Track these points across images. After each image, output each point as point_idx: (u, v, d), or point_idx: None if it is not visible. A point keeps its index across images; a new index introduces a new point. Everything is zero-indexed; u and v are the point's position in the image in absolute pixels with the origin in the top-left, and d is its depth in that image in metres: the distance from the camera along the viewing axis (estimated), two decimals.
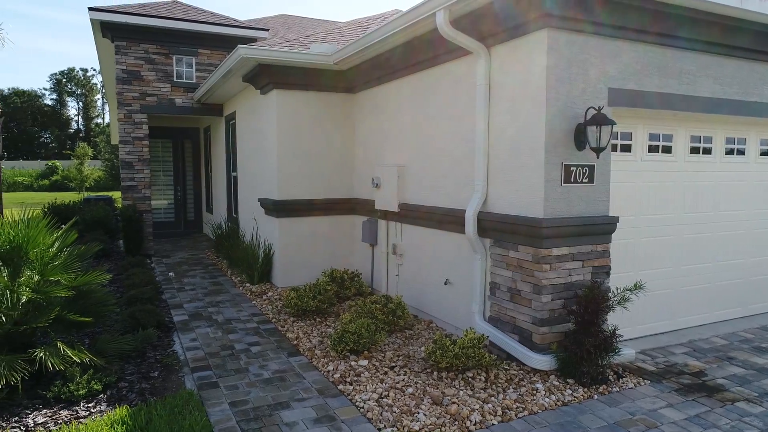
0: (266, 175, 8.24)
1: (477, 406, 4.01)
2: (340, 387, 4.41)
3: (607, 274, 4.94)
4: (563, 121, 4.60)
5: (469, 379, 4.49)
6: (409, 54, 6.27)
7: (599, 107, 4.55)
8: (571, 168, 4.66)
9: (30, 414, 3.92)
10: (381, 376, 4.60)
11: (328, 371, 4.74)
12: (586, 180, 4.75)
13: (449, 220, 5.75)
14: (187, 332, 5.90)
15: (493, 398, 4.16)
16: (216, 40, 11.20)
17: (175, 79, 11.12)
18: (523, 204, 4.79)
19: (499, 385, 4.41)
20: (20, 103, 62.23)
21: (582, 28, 4.57)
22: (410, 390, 4.31)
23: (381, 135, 7.36)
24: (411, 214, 6.54)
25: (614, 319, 4.95)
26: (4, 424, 3.76)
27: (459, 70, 5.63)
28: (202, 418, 3.78)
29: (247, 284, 8.12)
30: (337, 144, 8.07)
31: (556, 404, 4.11)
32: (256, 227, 8.99)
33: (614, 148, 5.15)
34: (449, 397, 4.15)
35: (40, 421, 3.82)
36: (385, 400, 4.14)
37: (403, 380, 4.51)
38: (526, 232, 4.71)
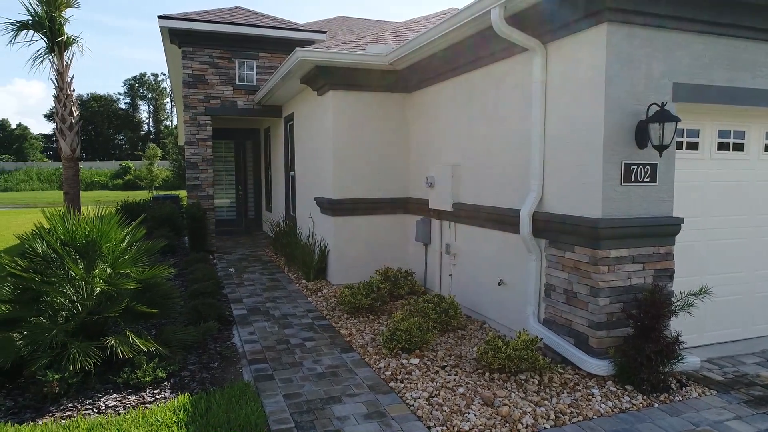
0: (322, 175, 8.40)
1: (529, 409, 3.94)
2: (391, 384, 4.45)
3: (670, 277, 4.73)
4: (623, 119, 4.43)
5: (522, 382, 4.41)
6: (461, 53, 6.22)
7: (662, 103, 4.35)
8: (632, 167, 4.48)
9: (101, 398, 4.20)
10: (432, 375, 4.60)
11: (380, 368, 4.80)
12: (648, 179, 4.56)
13: (503, 219, 5.67)
14: (245, 326, 6.12)
15: (546, 402, 4.08)
16: (276, 44, 11.52)
17: (237, 82, 11.53)
18: (579, 204, 4.66)
19: (553, 388, 4.31)
20: (97, 107, 66.44)
21: (643, 21, 4.39)
22: (461, 390, 4.29)
23: (434, 134, 7.34)
24: (465, 214, 6.49)
25: (678, 325, 4.72)
26: (79, 406, 4.06)
27: (514, 68, 5.53)
28: (258, 409, 3.93)
29: (303, 281, 8.32)
30: (391, 144, 8.12)
31: (612, 411, 3.98)
32: (312, 225, 9.19)
33: (679, 145, 4.91)
34: (500, 399, 4.10)
35: (110, 405, 4.08)
36: (435, 399, 4.14)
37: (454, 380, 4.49)
38: (582, 233, 4.58)
